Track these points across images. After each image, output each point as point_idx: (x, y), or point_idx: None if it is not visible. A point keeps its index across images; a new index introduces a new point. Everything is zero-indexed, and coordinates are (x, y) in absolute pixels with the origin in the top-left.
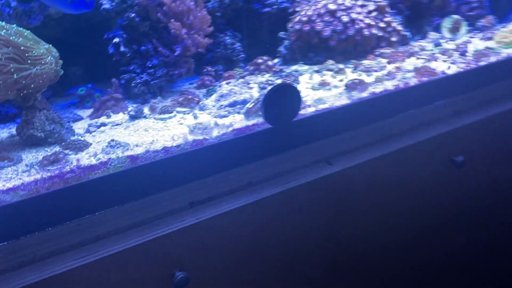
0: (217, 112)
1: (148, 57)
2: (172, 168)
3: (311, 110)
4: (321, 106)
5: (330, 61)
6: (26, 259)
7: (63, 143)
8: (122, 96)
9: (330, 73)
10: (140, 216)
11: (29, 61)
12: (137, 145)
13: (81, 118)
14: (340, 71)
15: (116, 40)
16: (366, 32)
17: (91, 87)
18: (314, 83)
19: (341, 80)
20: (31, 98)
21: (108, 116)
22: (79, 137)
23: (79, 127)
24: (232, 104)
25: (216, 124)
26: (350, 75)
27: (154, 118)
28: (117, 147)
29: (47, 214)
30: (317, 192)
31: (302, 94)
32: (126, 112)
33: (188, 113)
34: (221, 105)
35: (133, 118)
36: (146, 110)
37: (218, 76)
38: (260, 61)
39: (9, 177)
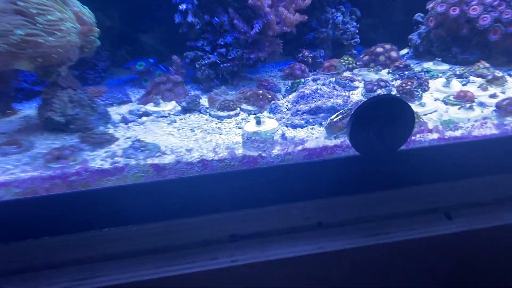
0: (289, 120)
1: (221, 33)
2: (209, 188)
3: (432, 136)
4: (450, 133)
5: (483, 63)
6: (17, 266)
7: (82, 134)
8: (183, 78)
9: (479, 80)
10: (161, 241)
11: (39, 26)
12: (165, 153)
13: (129, 101)
14: (496, 81)
15: (183, 6)
16: None
17: (153, 62)
18: (449, 93)
19: (493, 96)
20: (52, 72)
21: (157, 103)
22: (110, 128)
23: (121, 112)
24: (313, 111)
25: (283, 137)
26: (511, 89)
27: (210, 115)
28: (141, 151)
29: (43, 220)
30: (423, 256)
31: (426, 108)
32: (181, 100)
33: (254, 114)
34: (298, 110)
35: (184, 110)
36: (204, 101)
37: (316, 65)
38: (380, 50)
39: (7, 168)
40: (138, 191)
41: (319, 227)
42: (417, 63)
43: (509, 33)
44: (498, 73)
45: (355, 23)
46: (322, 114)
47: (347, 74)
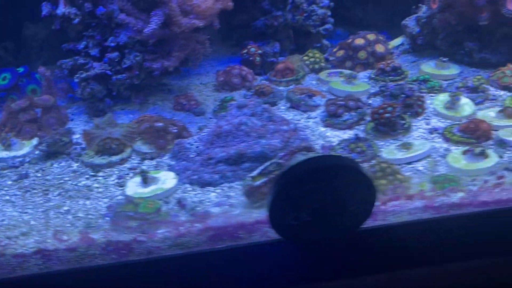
0: (197, 172)
1: (112, 28)
2: None
3: (414, 204)
4: (441, 199)
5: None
6: None
7: None
8: (57, 97)
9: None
10: None
11: None
12: None
13: None
14: None
15: None
16: None
17: (24, 72)
18: (455, 120)
19: None
20: None
21: (6, 145)
22: None
23: None
24: (233, 160)
25: (181, 205)
26: None
27: (83, 162)
28: None
29: None
30: None
31: (411, 153)
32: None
33: (151, 158)
34: (211, 158)
35: (46, 155)
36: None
37: (267, 66)
38: (359, 42)
39: None
40: None
41: None
42: (414, 62)
43: None
44: None
45: (327, 1)
46: (247, 164)
47: (311, 80)
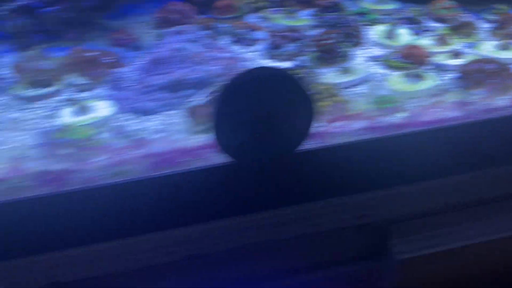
0: (136, 100)
1: None
2: None
3: (358, 125)
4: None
5: (445, 1)
6: None
7: None
8: None
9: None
10: None
11: None
12: None
13: None
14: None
15: None
16: None
17: None
18: (393, 49)
19: (457, 54)
20: None
21: None
22: None
23: None
24: (174, 86)
25: (118, 134)
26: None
27: (14, 96)
28: None
29: None
30: None
31: (348, 77)
32: None
33: (88, 90)
34: (149, 85)
35: None
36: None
37: (208, 3)
38: None
39: None
40: None
41: None
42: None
43: None
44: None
45: None
46: (188, 91)
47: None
